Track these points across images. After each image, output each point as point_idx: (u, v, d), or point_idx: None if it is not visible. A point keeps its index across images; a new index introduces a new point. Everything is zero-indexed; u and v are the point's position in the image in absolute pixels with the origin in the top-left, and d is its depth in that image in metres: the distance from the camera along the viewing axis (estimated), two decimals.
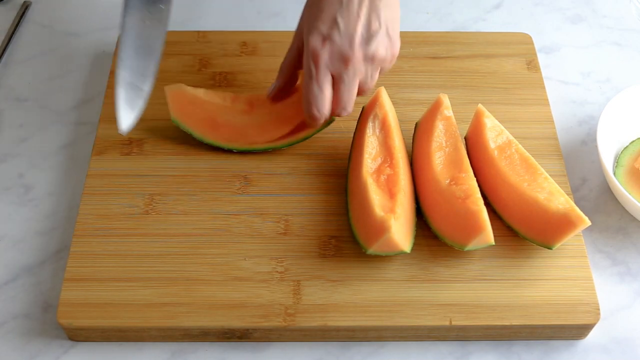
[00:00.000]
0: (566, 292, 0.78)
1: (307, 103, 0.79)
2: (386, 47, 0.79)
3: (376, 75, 0.81)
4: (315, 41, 0.77)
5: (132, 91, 0.80)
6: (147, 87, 0.80)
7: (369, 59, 0.78)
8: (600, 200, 0.89)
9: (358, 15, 0.76)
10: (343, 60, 0.77)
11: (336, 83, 0.79)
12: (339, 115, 0.81)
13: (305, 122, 0.83)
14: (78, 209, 0.84)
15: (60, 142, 0.92)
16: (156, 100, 0.92)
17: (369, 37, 0.77)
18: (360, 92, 0.81)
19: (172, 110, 0.85)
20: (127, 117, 0.79)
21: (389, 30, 0.78)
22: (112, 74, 0.95)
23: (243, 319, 0.76)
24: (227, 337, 0.77)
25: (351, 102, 0.80)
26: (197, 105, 0.85)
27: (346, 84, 0.78)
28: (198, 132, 0.86)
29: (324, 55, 0.77)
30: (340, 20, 0.76)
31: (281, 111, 0.87)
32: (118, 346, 0.77)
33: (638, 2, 1.08)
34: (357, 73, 0.78)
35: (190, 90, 0.85)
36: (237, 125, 0.86)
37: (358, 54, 0.77)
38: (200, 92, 0.86)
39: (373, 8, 0.77)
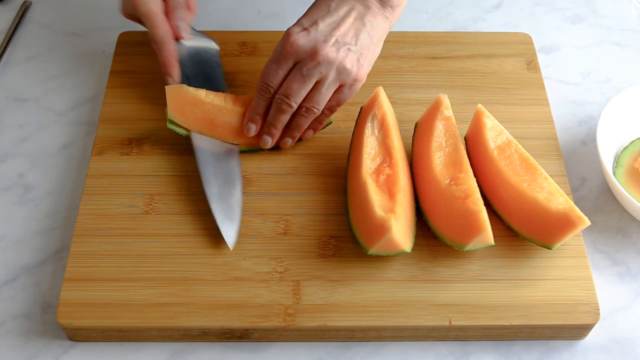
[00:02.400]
0: (566, 292, 0.78)
1: (261, 78, 0.83)
2: (353, 63, 0.81)
3: (332, 88, 0.82)
4: (294, 28, 0.81)
5: (226, 203, 0.82)
6: (237, 193, 0.83)
7: (334, 63, 0.80)
8: (600, 200, 0.89)
9: (338, 25, 0.81)
10: (311, 52, 0.80)
11: (292, 73, 0.82)
12: (279, 106, 0.83)
13: (252, 100, 0.85)
14: (78, 209, 0.84)
15: (60, 142, 0.92)
16: (156, 100, 0.93)
17: (341, 44, 0.81)
18: (306, 100, 0.83)
19: (170, 109, 0.85)
20: (230, 230, 0.81)
21: (360, 54, 0.82)
22: (112, 74, 0.95)
23: (243, 319, 0.76)
24: (227, 337, 0.77)
25: (296, 97, 0.82)
26: (197, 106, 0.85)
27: (303, 76, 0.81)
28: (195, 131, 0.86)
29: (295, 41, 0.80)
30: (320, 22, 0.81)
31: None
32: (118, 346, 0.77)
33: (638, 2, 1.08)
34: (317, 72, 0.81)
35: (192, 90, 0.85)
36: (234, 126, 0.86)
37: (326, 52, 0.80)
38: (202, 93, 0.86)
39: (354, 26, 0.82)
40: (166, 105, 0.85)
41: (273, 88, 0.83)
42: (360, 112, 0.87)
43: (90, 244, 0.80)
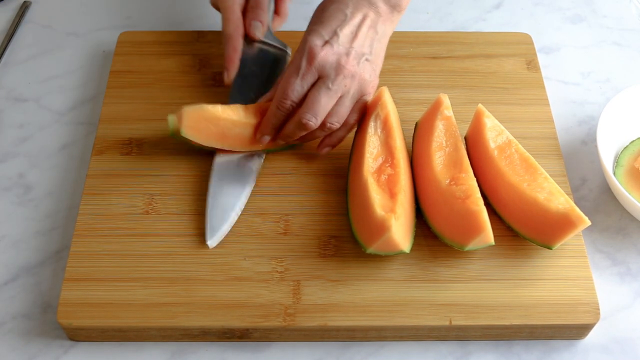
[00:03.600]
0: (566, 292, 0.78)
1: (283, 94, 0.81)
2: (370, 73, 0.82)
3: (354, 100, 0.82)
4: (315, 40, 0.79)
5: (222, 214, 0.82)
6: (234, 215, 0.82)
7: (357, 76, 0.80)
8: (600, 200, 0.89)
9: (356, 34, 0.81)
10: (337, 66, 0.79)
11: (318, 88, 0.80)
12: (304, 124, 0.80)
13: (268, 113, 0.83)
14: (78, 209, 0.84)
15: (60, 142, 0.92)
16: (156, 100, 0.93)
17: (360, 55, 0.81)
18: (329, 115, 0.81)
19: (185, 127, 0.82)
20: (213, 236, 0.80)
21: (375, 64, 0.83)
22: (112, 74, 0.95)
23: (243, 319, 0.76)
24: (227, 337, 0.77)
25: (323, 113, 0.81)
26: (212, 122, 0.83)
27: (330, 91, 0.80)
28: (206, 145, 0.84)
29: (321, 56, 0.79)
30: (340, 32, 0.80)
31: None
32: (118, 346, 0.77)
33: (638, 2, 1.08)
34: (342, 86, 0.80)
35: (210, 108, 0.83)
36: (245, 137, 0.85)
37: (350, 66, 0.80)
38: (218, 110, 0.83)
39: (369, 35, 0.82)
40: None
41: (295, 103, 0.81)
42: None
43: (90, 244, 0.80)
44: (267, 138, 0.84)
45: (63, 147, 0.92)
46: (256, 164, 0.86)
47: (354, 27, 0.81)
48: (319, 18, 0.82)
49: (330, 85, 0.79)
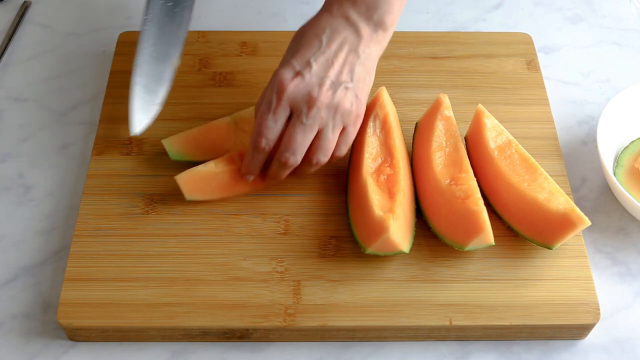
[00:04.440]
0: (566, 292, 0.78)
1: (257, 133, 0.77)
2: (351, 102, 0.77)
3: (337, 132, 0.78)
4: (285, 73, 0.76)
5: (148, 95, 0.78)
6: (162, 92, 0.78)
7: (333, 106, 0.76)
8: (600, 200, 0.89)
9: (332, 63, 0.77)
10: (308, 99, 0.75)
11: (292, 124, 0.77)
12: (284, 163, 0.78)
13: (247, 153, 0.80)
14: (78, 209, 0.84)
15: (60, 142, 0.92)
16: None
17: (337, 84, 0.76)
18: (313, 150, 0.78)
19: (187, 192, 0.82)
20: (140, 121, 0.78)
21: (357, 89, 0.78)
22: (112, 74, 0.95)
23: (243, 319, 0.76)
24: (227, 337, 0.77)
25: (301, 150, 0.77)
26: (211, 179, 0.82)
27: (305, 126, 0.76)
28: (217, 198, 0.83)
29: (290, 89, 0.75)
30: (313, 63, 0.76)
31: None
32: (118, 346, 0.77)
33: (638, 2, 1.08)
34: (318, 119, 0.76)
35: (201, 168, 0.82)
36: (254, 179, 0.84)
37: (324, 97, 0.75)
38: (211, 166, 0.82)
39: (348, 61, 0.77)
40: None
41: (272, 141, 0.78)
42: None
43: (90, 244, 0.80)
44: (251, 177, 0.82)
45: (63, 147, 0.92)
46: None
47: (330, 54, 0.76)
48: (294, 46, 0.78)
49: (304, 120, 0.76)
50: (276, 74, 0.77)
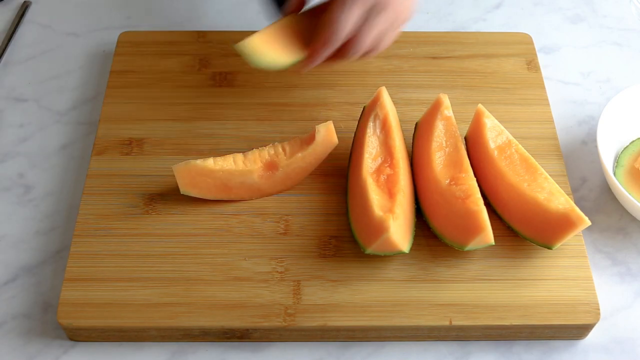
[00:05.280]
0: (566, 292, 0.78)
1: (334, 25, 0.79)
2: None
3: (392, 34, 0.82)
4: None
5: None
6: None
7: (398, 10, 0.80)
8: (600, 200, 0.89)
9: None
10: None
11: (374, 20, 0.79)
12: (360, 55, 0.81)
13: (314, 45, 0.81)
14: (78, 209, 0.84)
15: (60, 142, 0.92)
16: (157, 100, 0.93)
17: None
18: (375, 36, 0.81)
19: (182, 185, 0.82)
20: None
21: None
22: (112, 74, 0.95)
23: (243, 319, 0.76)
24: (227, 337, 0.77)
25: (365, 44, 0.80)
26: (208, 176, 0.82)
27: (371, 25, 0.79)
28: (211, 198, 0.83)
29: None
30: None
31: (292, 163, 0.84)
32: (118, 346, 0.77)
33: (638, 2, 1.08)
34: (388, 18, 0.80)
35: (200, 162, 0.82)
36: (249, 185, 0.83)
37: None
38: (210, 162, 0.82)
39: None
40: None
41: (346, 34, 0.79)
42: (362, 112, 0.87)
43: (90, 244, 0.80)
44: (313, 65, 0.83)
45: (63, 147, 0.92)
46: None
47: None
48: None
49: (373, 21, 0.79)
50: None
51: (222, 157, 0.83)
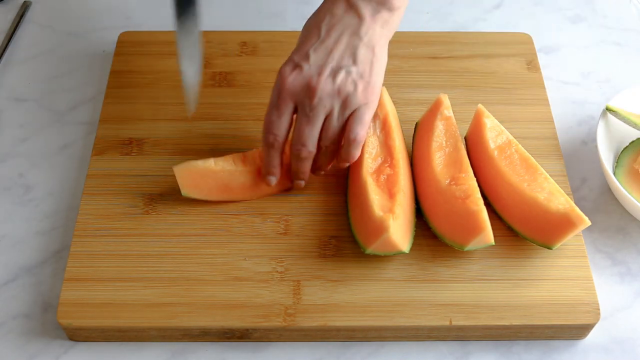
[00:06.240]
0: (566, 292, 0.78)
1: (265, 131, 0.79)
2: (355, 83, 0.77)
3: (343, 117, 0.77)
4: (285, 69, 0.77)
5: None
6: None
7: (335, 92, 0.76)
8: (600, 200, 0.89)
9: (331, 51, 0.77)
10: (308, 89, 0.76)
11: (298, 117, 0.78)
12: (297, 156, 0.79)
13: (262, 153, 0.81)
14: (78, 209, 0.84)
15: (60, 142, 0.92)
16: (157, 100, 0.93)
17: (337, 70, 0.76)
18: (321, 138, 0.78)
19: (183, 187, 0.82)
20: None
21: (364, 72, 0.77)
22: (112, 74, 0.95)
23: (243, 319, 0.76)
24: (227, 337, 0.77)
25: (311, 141, 0.78)
26: (209, 176, 0.82)
27: (309, 117, 0.77)
28: (213, 199, 0.83)
29: (290, 82, 0.76)
30: (312, 53, 0.77)
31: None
32: (118, 346, 0.77)
33: (638, 2, 1.08)
34: (321, 108, 0.76)
35: (201, 163, 0.82)
36: (250, 185, 0.84)
37: (323, 85, 0.76)
38: (211, 163, 0.82)
39: (349, 45, 0.77)
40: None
41: (281, 138, 0.79)
42: None
43: (90, 244, 0.80)
44: (273, 178, 0.82)
45: (63, 147, 0.92)
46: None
47: (330, 42, 0.76)
48: (298, 42, 0.79)
49: (307, 112, 0.76)
50: (279, 71, 0.78)
51: (223, 158, 0.83)
